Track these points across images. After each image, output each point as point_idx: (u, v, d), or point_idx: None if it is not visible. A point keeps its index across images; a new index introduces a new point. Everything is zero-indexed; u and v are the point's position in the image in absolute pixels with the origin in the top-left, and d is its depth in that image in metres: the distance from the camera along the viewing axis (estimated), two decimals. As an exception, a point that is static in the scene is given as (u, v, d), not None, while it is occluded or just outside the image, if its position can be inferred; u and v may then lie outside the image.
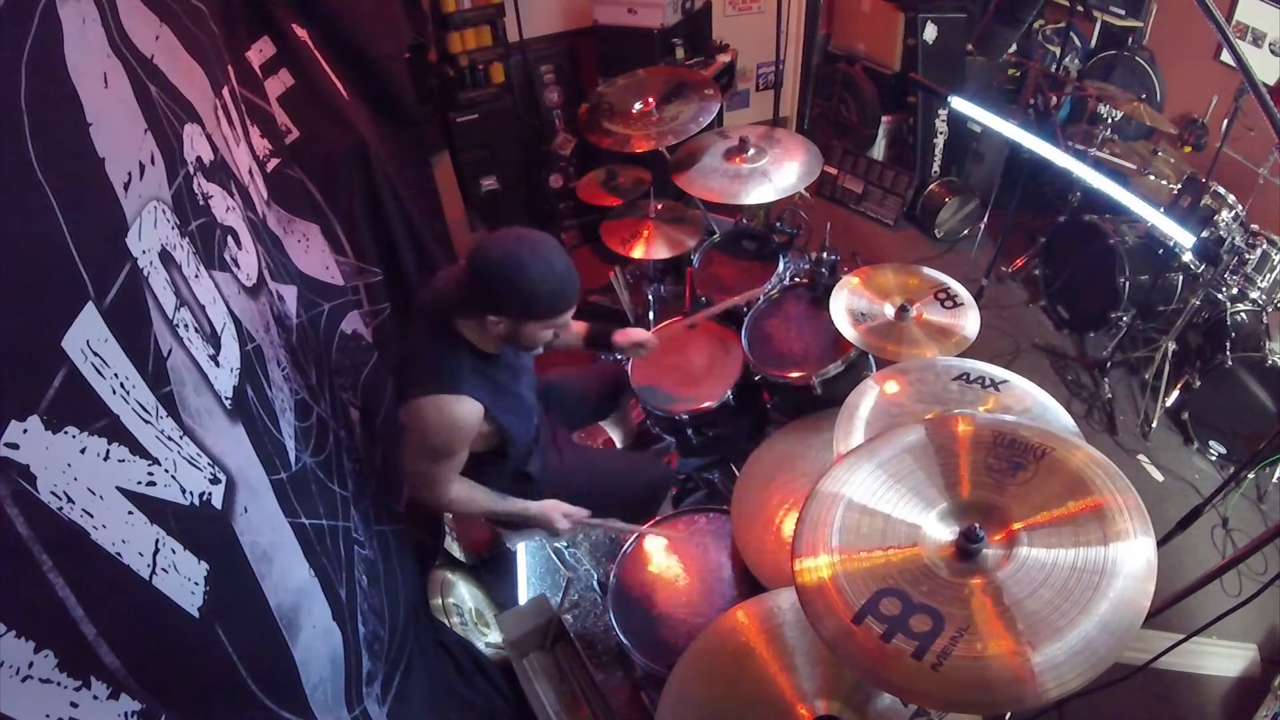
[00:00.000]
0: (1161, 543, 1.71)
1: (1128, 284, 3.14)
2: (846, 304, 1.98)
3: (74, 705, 0.74)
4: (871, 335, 1.89)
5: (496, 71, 3.49)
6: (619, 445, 2.65)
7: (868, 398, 1.56)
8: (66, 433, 0.77)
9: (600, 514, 2.15)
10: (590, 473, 2.06)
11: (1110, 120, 3.40)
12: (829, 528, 1.05)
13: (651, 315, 2.76)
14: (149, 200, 1.01)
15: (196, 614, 0.94)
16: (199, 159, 1.27)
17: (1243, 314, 2.88)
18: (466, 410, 1.55)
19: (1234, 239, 2.82)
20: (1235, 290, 2.90)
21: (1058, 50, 3.93)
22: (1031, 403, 1.48)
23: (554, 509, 1.83)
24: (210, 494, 1.01)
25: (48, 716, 0.71)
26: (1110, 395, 3.19)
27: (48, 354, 0.76)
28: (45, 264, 0.79)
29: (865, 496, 1.08)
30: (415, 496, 1.75)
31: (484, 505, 1.79)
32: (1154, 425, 3.06)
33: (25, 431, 0.72)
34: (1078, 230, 3.40)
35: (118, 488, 0.84)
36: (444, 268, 1.79)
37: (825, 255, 2.37)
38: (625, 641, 1.67)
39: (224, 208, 1.35)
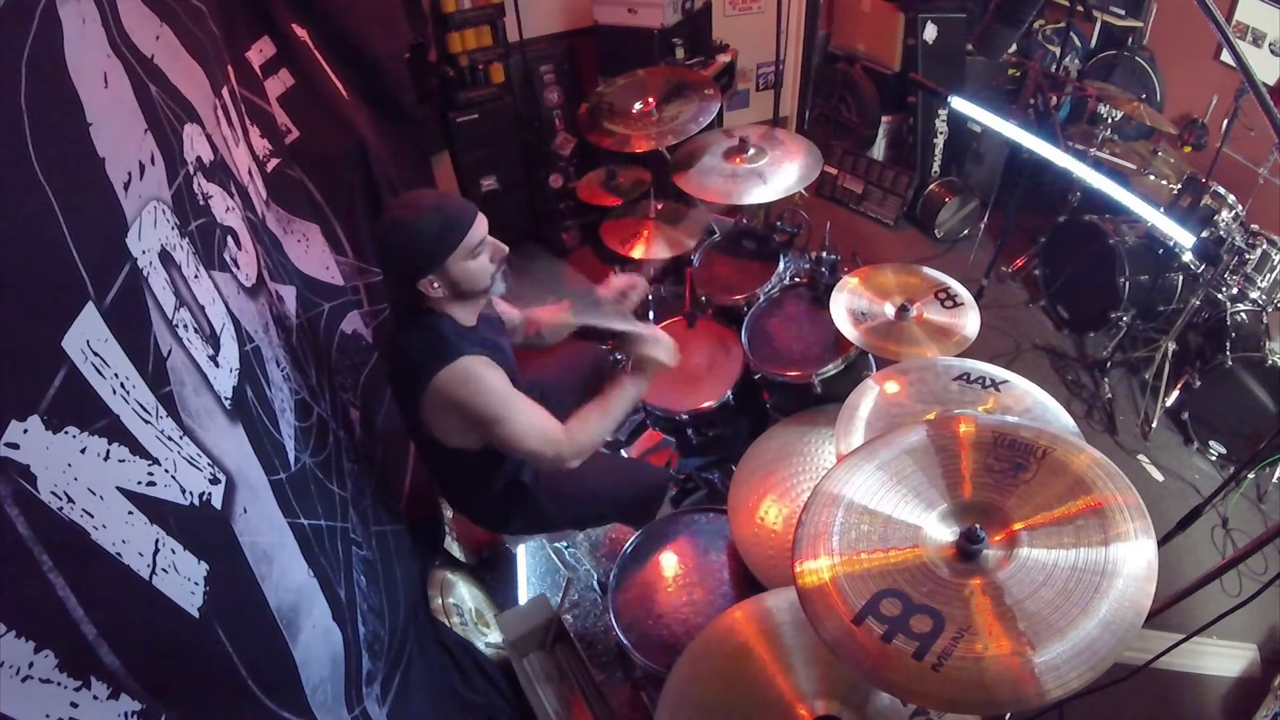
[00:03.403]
0: (1161, 543, 1.71)
1: (1128, 284, 3.14)
2: (847, 304, 1.98)
3: (74, 705, 0.74)
4: (872, 335, 1.89)
5: (496, 71, 3.48)
6: None
7: (868, 398, 1.56)
8: (67, 433, 0.77)
9: (598, 522, 2.15)
10: (586, 480, 2.05)
11: (1110, 120, 3.40)
12: (830, 529, 1.05)
13: (651, 315, 2.76)
14: (149, 200, 1.01)
15: (196, 614, 0.94)
16: (199, 159, 1.27)
17: (1243, 314, 2.88)
18: (480, 363, 1.56)
19: (1234, 239, 2.82)
20: (1235, 290, 2.90)
21: (1058, 50, 3.93)
22: (1031, 403, 1.48)
23: (650, 341, 1.73)
24: (210, 494, 1.01)
25: (48, 716, 0.71)
26: (1110, 395, 3.19)
27: (48, 354, 0.76)
28: (45, 264, 0.79)
29: (866, 497, 1.08)
30: (561, 464, 1.62)
31: (610, 420, 1.69)
32: (1154, 425, 3.06)
33: (25, 431, 0.72)
34: (1078, 230, 3.40)
35: (118, 488, 0.84)
36: None
37: (825, 255, 2.37)
38: (625, 641, 1.67)
39: (224, 208, 1.35)
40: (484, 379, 1.55)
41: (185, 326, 1.05)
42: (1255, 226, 2.87)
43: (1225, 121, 3.03)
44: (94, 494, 0.80)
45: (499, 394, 1.56)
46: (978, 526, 0.98)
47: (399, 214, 1.56)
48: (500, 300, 1.86)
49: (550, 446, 1.61)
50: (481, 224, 1.58)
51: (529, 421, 1.59)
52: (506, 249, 1.66)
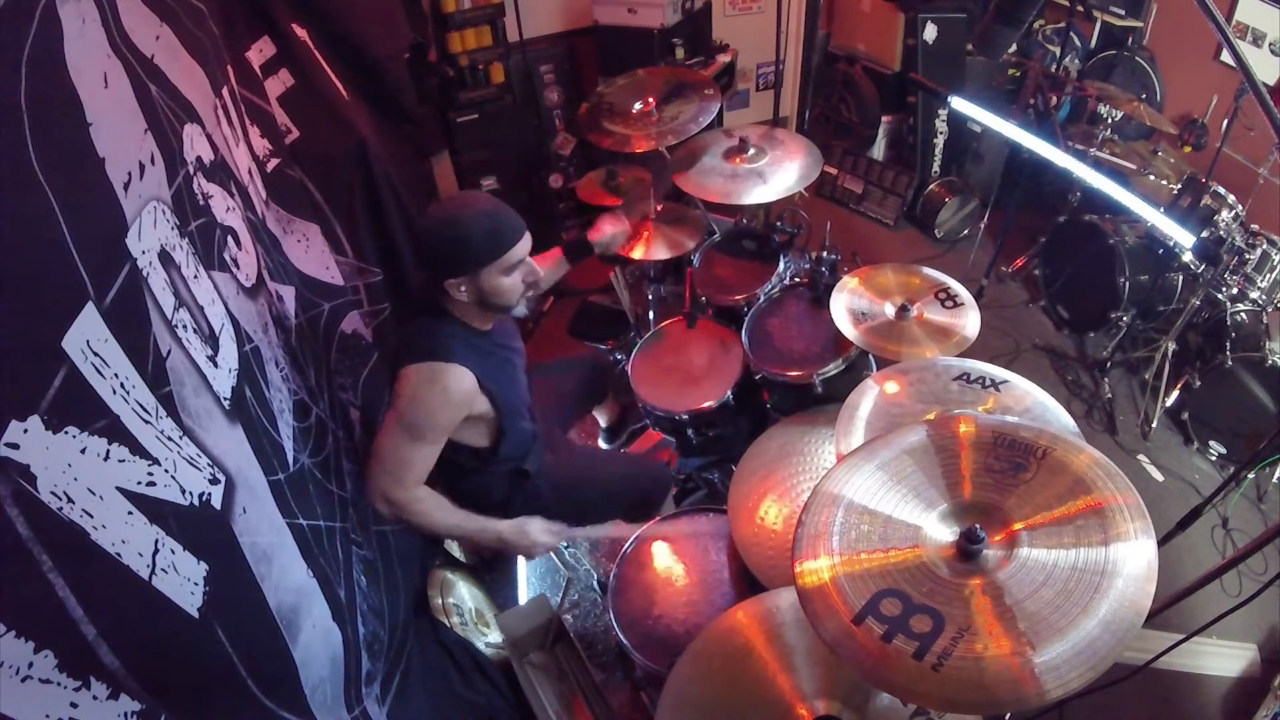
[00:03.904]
0: (1161, 543, 1.71)
1: (1128, 284, 3.14)
2: (847, 303, 1.98)
3: (74, 705, 0.74)
4: (872, 335, 1.89)
5: (496, 71, 3.48)
6: (603, 425, 2.66)
7: (868, 398, 1.56)
8: (67, 433, 0.77)
9: (599, 516, 2.15)
10: (589, 474, 2.06)
11: (1110, 120, 3.40)
12: (830, 529, 1.05)
13: (652, 315, 2.76)
14: (149, 200, 1.01)
15: (196, 614, 0.94)
16: (199, 159, 1.27)
17: (1243, 314, 2.88)
18: (458, 378, 1.55)
19: (1234, 239, 2.82)
20: (1235, 290, 2.90)
21: (1058, 50, 3.93)
22: (1031, 403, 1.48)
23: (528, 525, 1.73)
24: (210, 494, 1.01)
25: (47, 717, 0.71)
26: (1110, 395, 3.19)
27: (48, 354, 0.77)
28: (45, 264, 0.79)
29: (866, 497, 1.08)
30: (377, 493, 1.59)
31: (448, 519, 1.68)
32: (1154, 425, 3.06)
33: (26, 431, 0.72)
34: (1078, 230, 3.40)
35: (118, 488, 0.84)
36: None
37: (825, 255, 2.37)
38: (625, 641, 1.67)
39: (224, 208, 1.35)
40: (440, 391, 1.54)
41: (184, 327, 1.05)
42: (1255, 226, 2.87)
43: (1225, 121, 3.03)
44: (94, 494, 0.80)
45: (433, 412, 1.55)
46: (978, 526, 0.98)
47: (451, 210, 1.56)
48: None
49: (388, 484, 1.57)
50: (526, 243, 1.58)
51: (407, 455, 1.56)
52: (541, 274, 1.66)
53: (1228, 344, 2.80)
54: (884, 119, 4.34)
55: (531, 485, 1.86)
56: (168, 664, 0.89)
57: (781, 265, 2.50)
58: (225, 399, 1.13)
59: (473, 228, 1.52)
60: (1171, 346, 3.05)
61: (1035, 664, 0.85)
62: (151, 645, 0.86)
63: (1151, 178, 3.24)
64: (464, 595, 2.32)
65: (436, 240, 1.54)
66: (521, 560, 2.48)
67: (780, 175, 2.42)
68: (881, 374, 1.63)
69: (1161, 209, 2.96)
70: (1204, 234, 2.84)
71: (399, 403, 1.56)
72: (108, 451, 0.83)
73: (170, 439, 0.95)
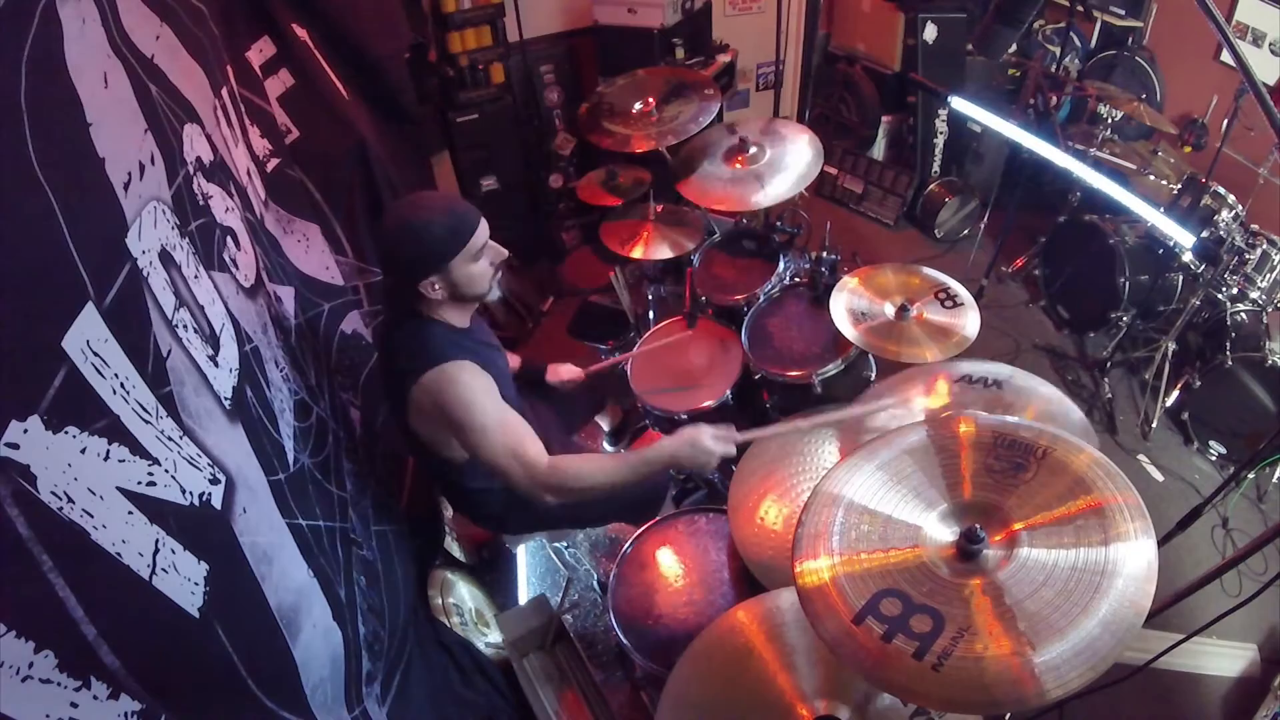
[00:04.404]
0: (1161, 543, 1.71)
1: (1128, 284, 3.14)
2: (847, 304, 1.98)
3: (74, 705, 0.74)
4: (872, 335, 1.89)
5: (496, 71, 3.48)
6: (606, 429, 2.66)
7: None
8: (67, 433, 0.77)
9: (597, 520, 2.15)
10: None
11: (1110, 120, 3.40)
12: (830, 529, 1.05)
13: (651, 315, 2.76)
14: (149, 200, 1.01)
15: (196, 614, 0.94)
16: (199, 159, 1.27)
17: (1243, 314, 2.88)
18: (466, 368, 1.54)
19: (1234, 239, 2.82)
20: (1235, 290, 2.90)
21: (1058, 50, 3.93)
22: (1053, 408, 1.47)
23: (699, 436, 1.57)
24: (210, 494, 1.01)
25: (47, 717, 0.71)
26: (1110, 395, 3.19)
27: (48, 354, 0.76)
28: (45, 264, 0.79)
29: (866, 498, 1.08)
30: (536, 486, 1.54)
31: (608, 472, 1.58)
32: (1154, 425, 3.06)
33: (26, 431, 0.72)
34: (1078, 230, 3.40)
35: (118, 488, 0.84)
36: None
37: (825, 255, 2.37)
38: (625, 641, 1.67)
39: (223, 208, 1.35)
40: (468, 384, 1.53)
41: (185, 327, 1.05)
42: (1255, 226, 2.87)
43: (1225, 121, 3.03)
44: (94, 494, 0.80)
45: (481, 401, 1.53)
46: (978, 526, 0.98)
47: (407, 214, 1.56)
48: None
49: (523, 469, 1.53)
50: (485, 228, 1.59)
51: (507, 437, 1.53)
52: (506, 253, 1.67)
53: (1228, 344, 2.80)
54: (884, 119, 4.34)
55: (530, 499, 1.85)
56: (168, 664, 0.89)
57: (781, 265, 2.50)
58: (226, 399, 1.13)
59: (431, 226, 1.52)
60: (1171, 346, 3.05)
61: (1035, 664, 0.85)
62: (152, 645, 0.86)
63: (1151, 178, 3.24)
64: (464, 595, 2.32)
65: (402, 245, 1.54)
66: (521, 560, 2.49)
67: (781, 177, 2.41)
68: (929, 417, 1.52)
69: (1161, 209, 2.96)
70: (1204, 234, 2.84)
71: (446, 416, 1.54)
72: (108, 451, 0.83)
73: (170, 439, 0.95)
